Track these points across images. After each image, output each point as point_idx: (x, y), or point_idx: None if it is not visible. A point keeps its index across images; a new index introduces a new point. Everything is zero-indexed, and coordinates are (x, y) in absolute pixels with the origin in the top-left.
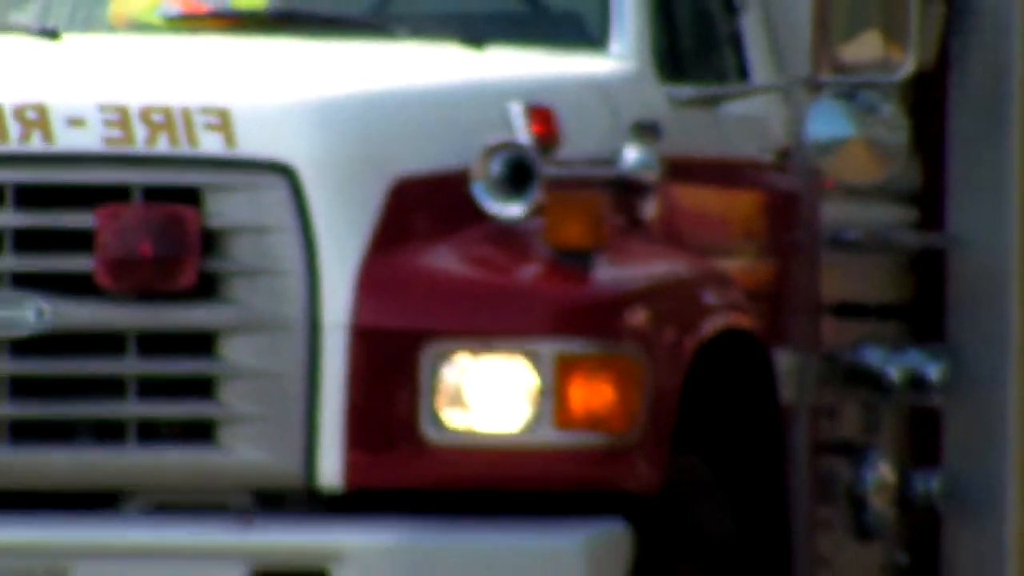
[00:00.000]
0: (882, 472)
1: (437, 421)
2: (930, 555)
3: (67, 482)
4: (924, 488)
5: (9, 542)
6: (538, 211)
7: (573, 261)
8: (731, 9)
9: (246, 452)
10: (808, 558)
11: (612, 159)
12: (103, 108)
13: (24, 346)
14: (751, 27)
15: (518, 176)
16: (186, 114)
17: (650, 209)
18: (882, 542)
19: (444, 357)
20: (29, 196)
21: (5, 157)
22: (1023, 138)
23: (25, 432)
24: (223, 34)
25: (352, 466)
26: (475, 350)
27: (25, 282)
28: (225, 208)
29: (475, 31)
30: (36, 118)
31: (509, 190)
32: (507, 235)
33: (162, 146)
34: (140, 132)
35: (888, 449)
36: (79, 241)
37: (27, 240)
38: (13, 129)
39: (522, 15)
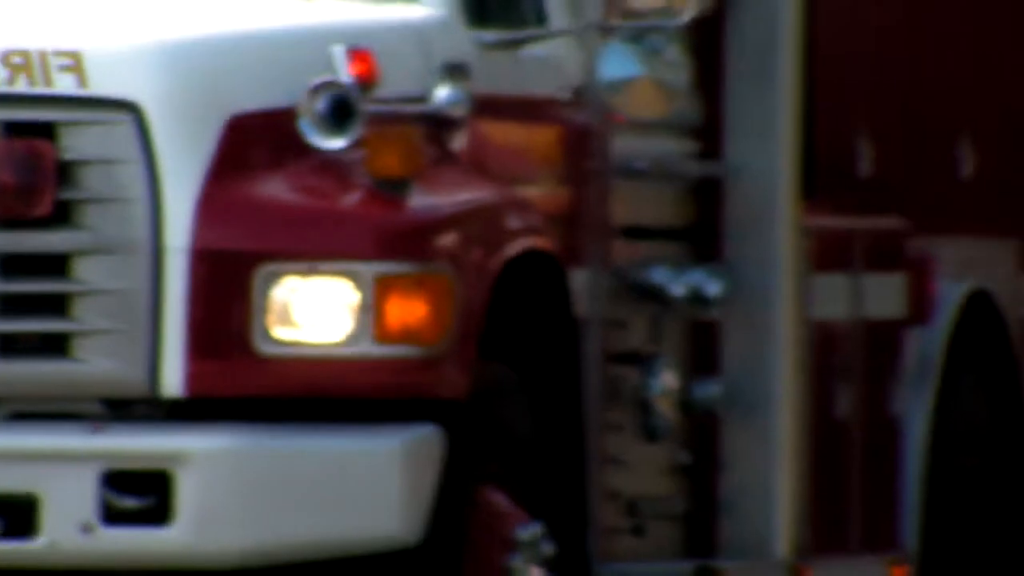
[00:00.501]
0: (666, 379)
1: (268, 335)
2: (709, 454)
3: None
4: (704, 394)
5: None
6: (359, 144)
7: (390, 189)
8: None
9: (97, 364)
10: (599, 457)
11: (425, 97)
12: None
13: None
14: None
15: (340, 112)
16: (43, 56)
17: (460, 142)
18: (666, 443)
19: (274, 278)
20: None
21: None
22: (792, 77)
23: None
24: None
25: (192, 376)
26: (302, 271)
27: None
28: (78, 142)
29: None
30: None
31: (332, 125)
32: (331, 166)
33: (21, 85)
34: (1, 73)
35: (672, 358)
36: None
37: None
38: None
39: None
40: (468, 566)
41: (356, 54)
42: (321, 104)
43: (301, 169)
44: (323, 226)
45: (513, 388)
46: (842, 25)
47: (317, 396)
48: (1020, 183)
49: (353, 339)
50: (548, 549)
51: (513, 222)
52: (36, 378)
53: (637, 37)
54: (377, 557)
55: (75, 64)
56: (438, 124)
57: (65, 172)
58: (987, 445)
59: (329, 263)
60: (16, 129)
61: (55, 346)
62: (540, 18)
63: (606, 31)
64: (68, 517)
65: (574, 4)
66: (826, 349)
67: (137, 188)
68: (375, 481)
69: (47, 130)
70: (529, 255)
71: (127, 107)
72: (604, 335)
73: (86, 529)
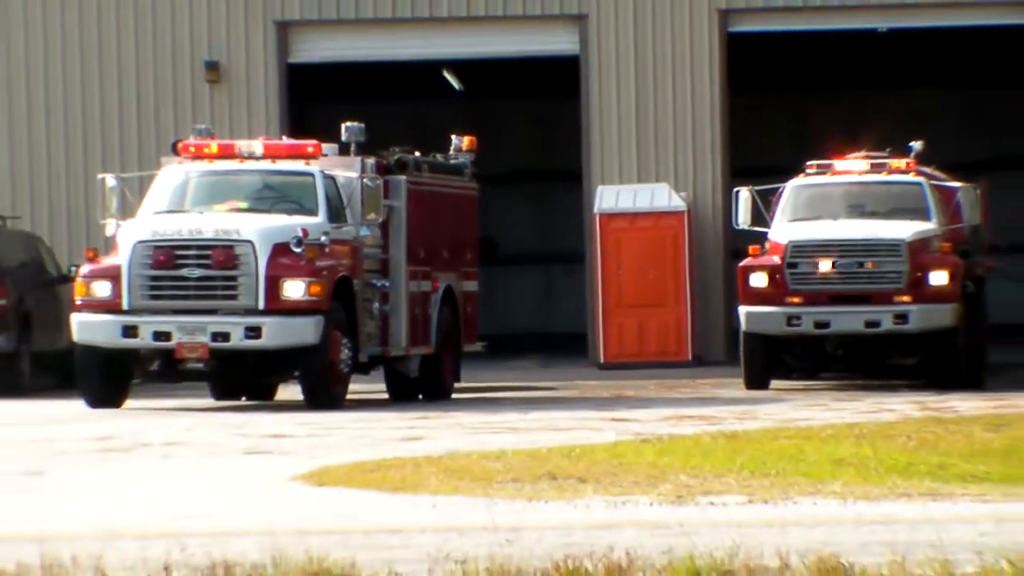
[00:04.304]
0: (376, 306)
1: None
2: (388, 326)
3: None
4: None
5: None
6: (306, 251)
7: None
8: (342, 202)
9: None
10: (363, 320)
11: (321, 241)
12: None
13: None
14: (346, 206)
15: (299, 242)
16: None
17: (329, 250)
18: (376, 319)
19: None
20: None
21: None
22: (403, 238)
23: None
24: None
25: None
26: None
27: None
28: None
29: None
30: None
31: (298, 246)
32: (300, 257)
33: None
34: None
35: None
36: None
37: None
38: None
39: (287, 205)
40: (332, 351)
41: (304, 231)
42: (294, 241)
43: (294, 256)
44: (296, 269)
45: (340, 308)
46: (416, 214)
47: (293, 309)
48: (438, 266)
49: (306, 300)
50: (351, 346)
51: (338, 265)
52: None
53: (370, 226)
54: (299, 349)
55: None
56: (321, 247)
57: None
58: (453, 325)
59: (292, 280)
60: None
61: None
62: (343, 218)
63: (362, 224)
64: None
65: (353, 214)
66: (415, 298)
67: None
68: (307, 327)
69: None
70: (343, 277)
71: None
72: (362, 293)
73: None
